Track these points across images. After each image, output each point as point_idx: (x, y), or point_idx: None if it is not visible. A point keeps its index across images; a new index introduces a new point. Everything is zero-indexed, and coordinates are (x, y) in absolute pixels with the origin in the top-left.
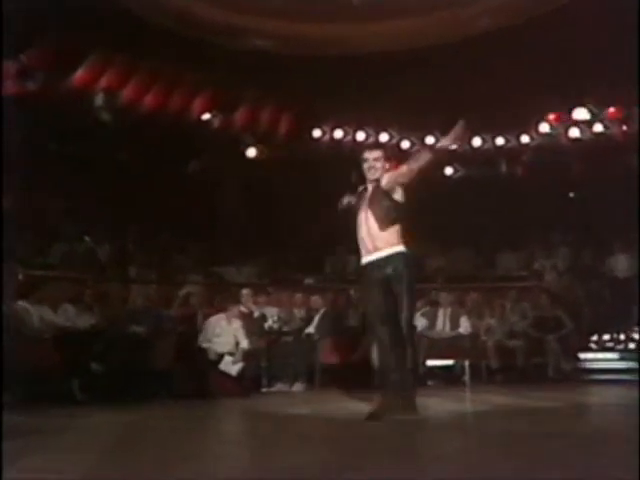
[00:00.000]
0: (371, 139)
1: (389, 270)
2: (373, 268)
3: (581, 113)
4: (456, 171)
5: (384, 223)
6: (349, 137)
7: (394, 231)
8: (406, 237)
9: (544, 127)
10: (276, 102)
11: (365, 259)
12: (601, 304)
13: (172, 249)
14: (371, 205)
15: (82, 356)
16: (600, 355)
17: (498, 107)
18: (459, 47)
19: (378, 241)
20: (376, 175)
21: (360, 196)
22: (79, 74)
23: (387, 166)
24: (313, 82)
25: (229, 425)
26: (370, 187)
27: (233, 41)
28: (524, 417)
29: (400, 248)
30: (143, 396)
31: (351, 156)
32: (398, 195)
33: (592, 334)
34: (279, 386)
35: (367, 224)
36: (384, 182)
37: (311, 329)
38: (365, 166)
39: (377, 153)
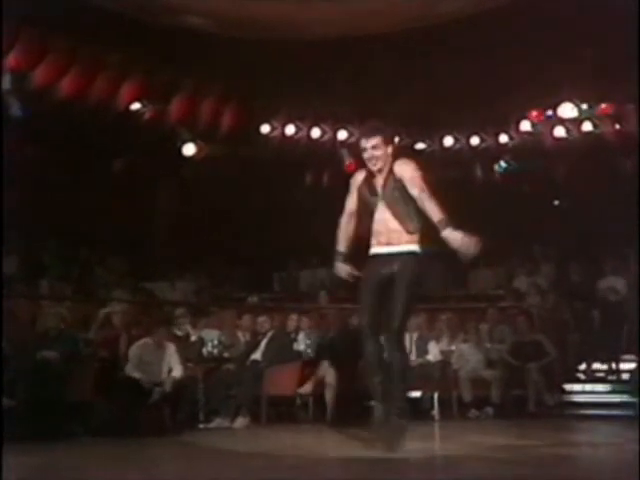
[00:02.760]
0: (327, 136)
1: (395, 267)
2: (379, 261)
3: (567, 110)
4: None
5: (409, 227)
6: (302, 133)
7: (406, 227)
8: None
9: (525, 125)
10: (218, 92)
11: (374, 250)
12: (590, 328)
13: (93, 261)
14: (388, 200)
15: None
16: (589, 387)
17: (473, 102)
18: (428, 33)
19: (393, 235)
20: (379, 165)
21: (367, 183)
22: None
23: (390, 150)
24: (261, 70)
25: (155, 468)
26: (380, 177)
27: (165, 18)
28: (503, 459)
29: (413, 247)
30: (55, 434)
31: (306, 155)
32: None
33: (579, 363)
34: (218, 421)
35: (384, 217)
36: (406, 178)
37: (257, 355)
38: (365, 156)
39: (375, 140)
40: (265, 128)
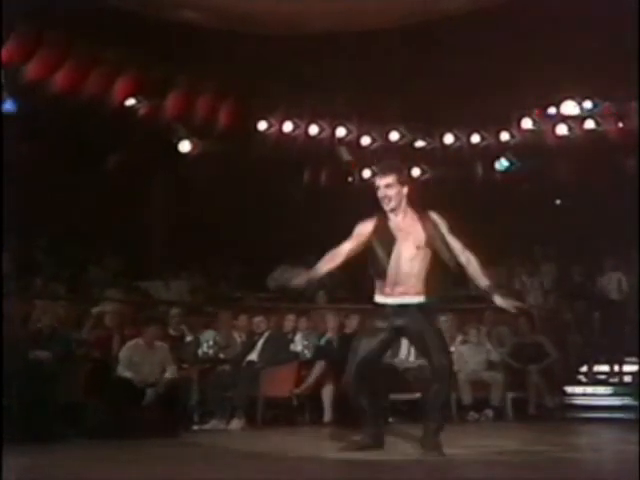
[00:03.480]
0: (325, 133)
1: (399, 322)
2: (383, 313)
3: (570, 107)
4: (423, 172)
5: (451, 265)
6: (300, 131)
7: (422, 277)
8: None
9: (527, 123)
10: (214, 87)
11: (382, 299)
12: (592, 330)
13: (87, 259)
14: (432, 239)
15: None
16: (590, 389)
17: (473, 99)
18: (428, 30)
19: (401, 284)
20: (392, 205)
21: (383, 227)
22: None
23: (405, 191)
24: (258, 66)
25: (149, 470)
26: (400, 216)
27: (161, 12)
28: (502, 462)
29: (422, 298)
30: (48, 436)
31: (303, 153)
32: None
33: (581, 365)
34: (214, 423)
35: (400, 259)
36: (444, 227)
37: (253, 356)
38: (379, 195)
39: (389, 179)
40: (262, 124)
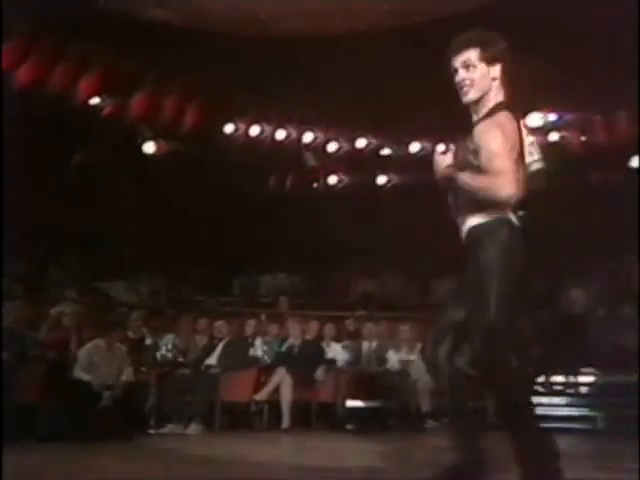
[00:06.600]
0: (292, 138)
1: (470, 248)
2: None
3: (535, 120)
4: (389, 180)
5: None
6: (267, 134)
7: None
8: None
9: None
10: (181, 88)
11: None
12: (551, 340)
13: (46, 259)
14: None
15: None
16: (546, 400)
17: (439, 107)
18: (398, 34)
19: (465, 205)
20: (471, 95)
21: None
22: None
23: (498, 72)
24: (227, 67)
25: (102, 474)
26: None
27: (129, 9)
28: None
29: (482, 219)
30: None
31: (270, 157)
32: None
33: (538, 375)
34: (171, 427)
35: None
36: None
37: (212, 360)
38: (455, 80)
39: (469, 53)
40: (229, 127)
